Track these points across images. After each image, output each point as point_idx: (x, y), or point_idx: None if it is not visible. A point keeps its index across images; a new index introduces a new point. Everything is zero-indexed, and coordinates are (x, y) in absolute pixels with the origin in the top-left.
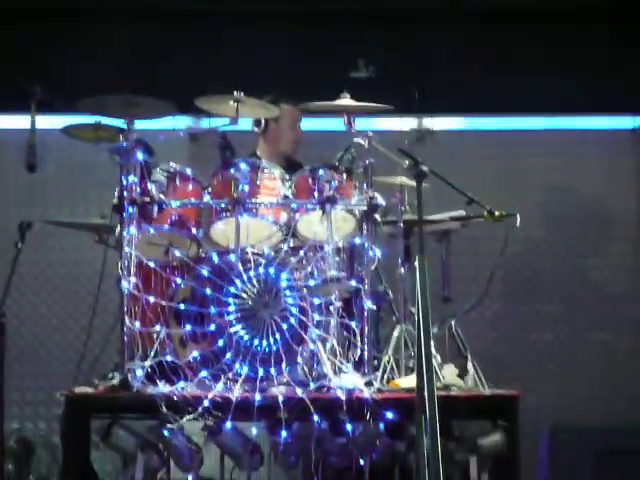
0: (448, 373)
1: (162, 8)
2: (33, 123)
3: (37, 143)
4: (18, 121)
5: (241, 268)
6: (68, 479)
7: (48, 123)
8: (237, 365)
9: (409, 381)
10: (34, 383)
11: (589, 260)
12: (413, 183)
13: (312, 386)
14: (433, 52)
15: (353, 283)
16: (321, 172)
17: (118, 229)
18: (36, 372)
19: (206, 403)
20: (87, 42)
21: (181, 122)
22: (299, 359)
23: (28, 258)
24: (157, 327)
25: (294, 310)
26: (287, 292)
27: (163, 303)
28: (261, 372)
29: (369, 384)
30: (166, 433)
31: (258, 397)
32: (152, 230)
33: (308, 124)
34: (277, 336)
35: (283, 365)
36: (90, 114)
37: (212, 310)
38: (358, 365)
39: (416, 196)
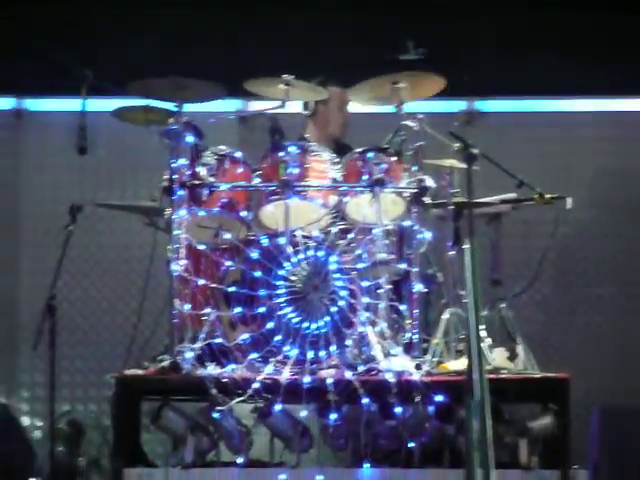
0: (498, 356)
1: None
2: (84, 106)
3: (88, 126)
4: (68, 104)
5: (290, 251)
6: (118, 461)
7: (98, 106)
8: (286, 347)
9: (458, 364)
10: (84, 365)
11: (639, 242)
12: (463, 165)
13: (361, 369)
14: (481, 34)
15: (402, 266)
16: (370, 155)
17: (168, 212)
18: (86, 354)
19: (256, 385)
20: (136, 25)
21: (231, 105)
22: (348, 342)
23: (78, 241)
24: (207, 309)
25: (343, 293)
26: (336, 275)
27: (213, 286)
28: (310, 355)
29: (418, 367)
30: (216, 415)
31: (307, 379)
32: (202, 213)
33: (357, 106)
34: (326, 319)
35: (332, 348)
36: (140, 97)
37: (261, 293)
38: (407, 348)
39: (466, 178)
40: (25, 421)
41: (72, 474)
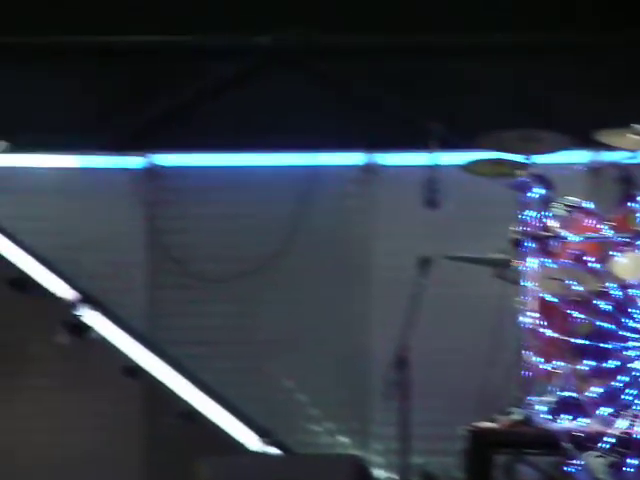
0: None
1: None
2: (433, 160)
3: (438, 179)
4: (418, 158)
5: None
6: None
7: (448, 159)
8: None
9: None
10: (437, 417)
11: None
12: None
13: None
14: None
15: None
16: None
17: (518, 264)
18: (439, 406)
19: (610, 439)
20: (478, 78)
21: (580, 156)
22: None
23: (428, 292)
24: (558, 362)
25: None
26: None
27: (564, 338)
28: None
29: None
30: (570, 469)
31: None
32: (552, 264)
33: None
34: None
35: None
36: (489, 150)
37: (614, 345)
38: None
39: None
40: (379, 474)
41: None
